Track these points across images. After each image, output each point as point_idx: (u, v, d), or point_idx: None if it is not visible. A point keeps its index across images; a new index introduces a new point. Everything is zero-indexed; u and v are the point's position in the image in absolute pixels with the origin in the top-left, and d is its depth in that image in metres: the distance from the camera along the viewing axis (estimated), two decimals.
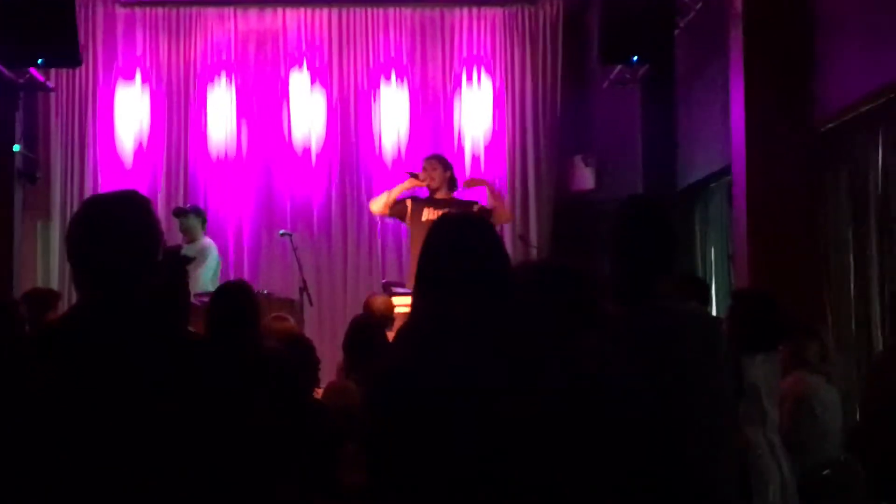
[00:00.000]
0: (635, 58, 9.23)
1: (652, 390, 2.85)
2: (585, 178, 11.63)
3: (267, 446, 3.66)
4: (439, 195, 9.03)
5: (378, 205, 9.33)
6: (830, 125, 7.21)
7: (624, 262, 3.28)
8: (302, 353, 4.67)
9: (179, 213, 10.20)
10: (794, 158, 7.46)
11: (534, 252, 11.00)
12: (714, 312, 7.73)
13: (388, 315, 7.21)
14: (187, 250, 9.33)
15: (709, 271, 9.60)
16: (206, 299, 5.59)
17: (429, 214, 8.79)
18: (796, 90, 7.49)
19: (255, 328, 4.79)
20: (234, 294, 4.92)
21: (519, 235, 11.03)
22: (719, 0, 8.22)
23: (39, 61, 9.24)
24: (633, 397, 2.76)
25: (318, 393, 5.15)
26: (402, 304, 8.33)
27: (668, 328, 3.14)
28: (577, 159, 11.69)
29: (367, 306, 7.38)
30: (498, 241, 2.71)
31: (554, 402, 2.50)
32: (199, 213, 10.28)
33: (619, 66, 9.95)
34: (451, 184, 9.12)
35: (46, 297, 6.73)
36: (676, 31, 9.17)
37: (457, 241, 2.65)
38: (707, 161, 9.29)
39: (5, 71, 9.72)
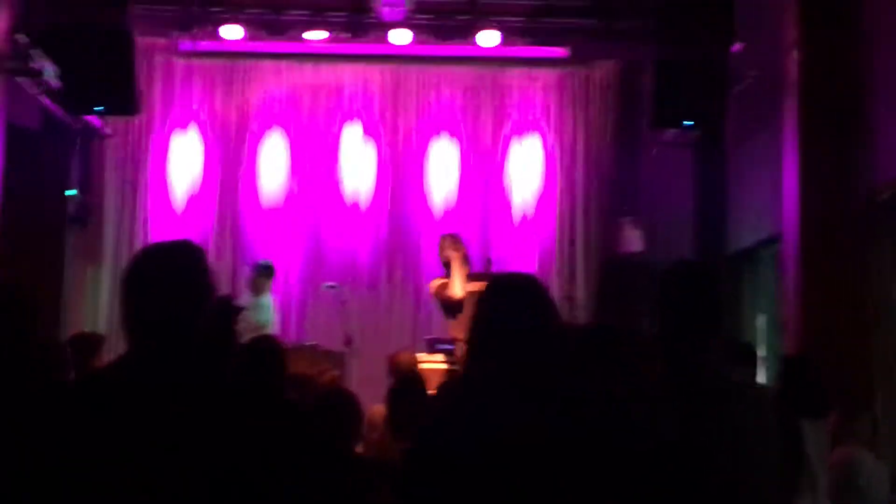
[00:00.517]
0: (687, 122, 9.21)
1: (698, 457, 2.81)
2: (634, 240, 11.57)
3: (306, 498, 3.64)
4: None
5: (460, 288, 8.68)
6: (884, 195, 7.14)
7: (671, 326, 3.25)
8: (344, 407, 4.66)
9: (266, 269, 10.24)
10: (846, 227, 7.40)
11: (580, 312, 10.94)
12: (762, 380, 7.64)
13: (413, 372, 7.18)
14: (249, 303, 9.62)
15: (756, 338, 9.49)
16: None
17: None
18: (850, 159, 7.45)
19: (280, 381, 4.80)
20: (261, 348, 4.94)
21: (566, 296, 10.98)
22: (774, 68, 8.20)
23: (98, 109, 9.37)
24: (677, 463, 2.73)
25: (360, 447, 5.13)
26: (432, 360, 8.35)
27: (715, 394, 3.10)
28: (626, 221, 11.64)
29: (394, 364, 7.39)
30: (550, 302, 2.70)
31: (598, 464, 2.48)
32: (272, 272, 10.34)
33: (671, 130, 9.95)
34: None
35: (92, 342, 6.77)
36: (729, 97, 9.15)
37: (509, 301, 2.65)
38: (757, 227, 9.23)
39: (64, 117, 9.90)
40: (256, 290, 10.13)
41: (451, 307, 8.59)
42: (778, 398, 4.97)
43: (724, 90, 8.93)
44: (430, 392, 5.31)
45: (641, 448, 2.66)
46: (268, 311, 10.03)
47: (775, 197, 8.13)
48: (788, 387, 5.13)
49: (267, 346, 4.99)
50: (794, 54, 7.79)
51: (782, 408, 4.95)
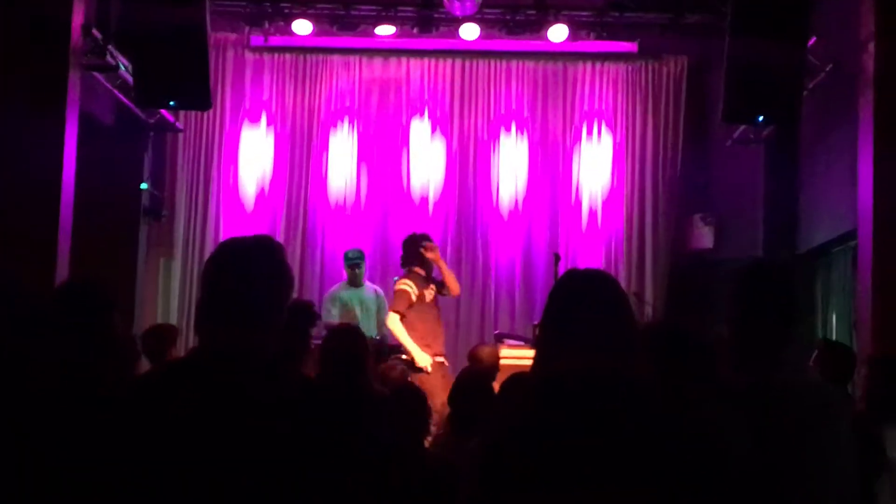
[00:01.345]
0: (760, 118, 9.06)
1: (768, 463, 2.78)
2: (704, 237, 11.47)
3: (375, 492, 3.65)
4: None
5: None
6: None
7: (745, 328, 3.20)
8: (413, 403, 4.67)
9: (359, 258, 10.16)
10: None
11: (649, 310, 10.87)
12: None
13: (495, 366, 7.17)
14: (367, 293, 9.86)
15: (830, 338, 9.34)
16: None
17: (430, 294, 8.64)
18: None
19: (364, 373, 4.83)
20: (344, 339, 4.98)
21: (634, 293, 10.90)
22: (850, 62, 8.07)
23: (171, 103, 9.49)
24: (747, 469, 2.70)
25: (427, 443, 5.13)
26: (509, 356, 8.29)
27: (788, 398, 3.05)
28: (696, 218, 11.54)
29: (475, 357, 7.35)
30: (624, 297, 2.67)
31: (668, 469, 2.45)
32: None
33: (742, 126, 9.82)
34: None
35: (168, 334, 6.87)
36: (803, 92, 9.00)
37: (584, 295, 2.62)
38: (831, 225, 9.09)
39: (137, 111, 10.04)
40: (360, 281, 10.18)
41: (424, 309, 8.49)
42: (862, 400, 4.88)
43: (798, 85, 8.76)
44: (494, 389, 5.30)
45: (712, 452, 2.63)
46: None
47: (851, 194, 7.99)
48: (874, 389, 4.97)
49: (353, 339, 5.03)
50: (871, 48, 7.64)
51: (866, 410, 4.86)
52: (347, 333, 5.21)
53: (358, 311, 9.93)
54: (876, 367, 5.21)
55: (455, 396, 5.29)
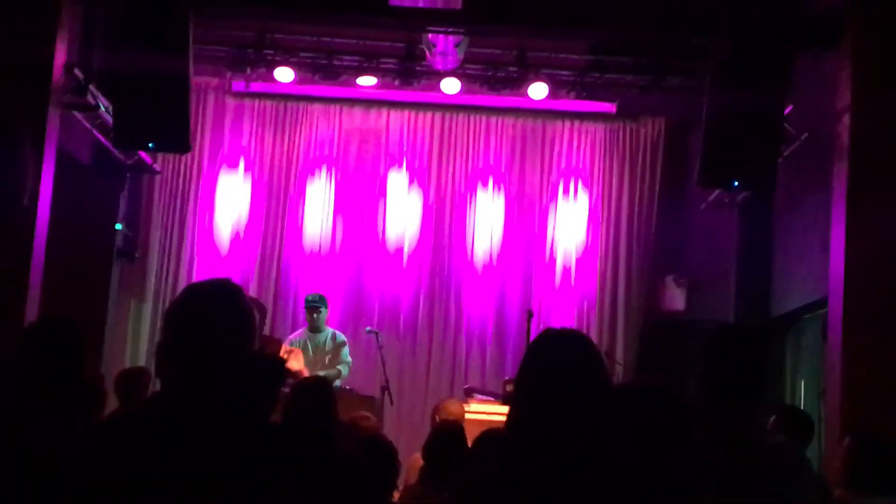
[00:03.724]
0: (736, 183, 9.12)
1: None
2: (676, 298, 11.52)
3: None
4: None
5: None
6: None
7: (715, 388, 3.25)
8: (383, 456, 4.64)
9: (317, 302, 10.21)
10: (894, 295, 7.30)
11: (619, 369, 10.88)
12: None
13: (460, 422, 7.14)
14: (327, 339, 9.90)
15: (797, 404, 9.37)
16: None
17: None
18: None
19: (332, 425, 4.82)
20: (314, 391, 4.97)
21: (605, 351, 10.91)
22: (825, 131, 8.17)
23: (150, 145, 9.46)
24: None
25: (395, 496, 5.10)
26: (478, 410, 8.28)
27: (758, 456, 3.09)
28: (669, 279, 11.60)
29: (445, 410, 7.32)
30: (599, 358, 2.68)
31: None
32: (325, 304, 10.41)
33: (718, 189, 9.90)
34: None
35: (139, 378, 6.83)
36: (779, 159, 9.09)
37: (560, 354, 2.63)
38: (802, 291, 9.15)
39: (115, 152, 10.01)
40: (321, 325, 10.21)
41: None
42: (843, 476, 4.91)
43: (774, 152, 8.84)
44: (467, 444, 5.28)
45: None
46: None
47: (823, 261, 8.05)
48: (857, 462, 4.96)
49: (319, 390, 5.02)
50: (846, 119, 7.75)
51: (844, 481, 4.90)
52: (314, 387, 5.21)
53: (311, 356, 9.88)
54: (858, 440, 5.16)
55: (430, 448, 5.27)
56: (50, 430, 2.97)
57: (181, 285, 11.49)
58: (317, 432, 4.54)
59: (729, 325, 4.66)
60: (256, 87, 11.73)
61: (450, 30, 9.25)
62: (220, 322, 2.53)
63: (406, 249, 11.95)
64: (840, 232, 7.63)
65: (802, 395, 9.46)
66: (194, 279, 11.38)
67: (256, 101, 12.10)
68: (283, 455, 2.45)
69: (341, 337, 10.16)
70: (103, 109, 9.17)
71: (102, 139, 9.71)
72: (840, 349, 7.46)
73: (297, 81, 11.01)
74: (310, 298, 10.25)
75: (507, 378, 9.87)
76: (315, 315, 10.04)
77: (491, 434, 4.02)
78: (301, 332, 10.29)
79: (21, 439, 2.95)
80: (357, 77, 10.92)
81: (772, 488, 3.06)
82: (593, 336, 11.13)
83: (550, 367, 2.61)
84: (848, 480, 4.86)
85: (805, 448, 5.71)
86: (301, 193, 12.04)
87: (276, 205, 12.03)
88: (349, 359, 10.00)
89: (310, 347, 9.96)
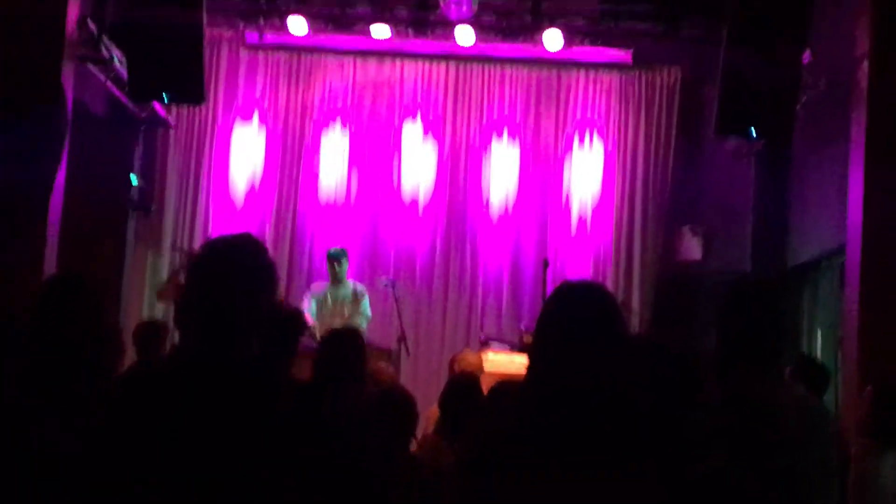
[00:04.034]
0: (753, 131, 9.05)
1: (751, 479, 2.80)
2: (692, 248, 11.48)
3: (359, 495, 3.64)
4: None
5: None
6: None
7: (731, 345, 3.23)
8: (402, 407, 4.67)
9: (339, 254, 10.29)
10: None
11: (635, 319, 10.87)
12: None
13: (478, 373, 7.17)
14: (348, 292, 10.01)
15: (814, 354, 9.36)
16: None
17: None
18: None
19: (360, 376, 4.85)
20: (342, 341, 5.00)
21: (621, 301, 10.87)
22: (844, 79, 8.09)
23: (165, 97, 9.45)
24: (730, 484, 2.71)
25: (413, 446, 5.13)
26: (495, 360, 8.31)
27: (772, 415, 3.07)
28: (685, 229, 11.55)
29: (464, 361, 7.34)
30: (618, 311, 2.67)
31: (653, 481, 2.46)
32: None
33: (734, 139, 9.83)
34: None
35: (157, 331, 6.86)
36: (797, 107, 9.01)
37: (579, 306, 2.62)
38: (820, 240, 9.11)
39: (129, 104, 10.00)
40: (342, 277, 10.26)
41: None
42: (865, 424, 4.90)
43: (792, 99, 8.77)
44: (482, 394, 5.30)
45: (693, 467, 2.65)
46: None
47: (840, 210, 8.01)
48: (878, 414, 4.93)
49: (351, 340, 5.06)
50: (865, 65, 7.67)
51: (864, 433, 4.89)
52: (345, 336, 5.24)
53: (331, 308, 9.93)
54: (884, 394, 5.08)
55: (446, 399, 5.30)
56: (50, 430, 2.98)
57: (197, 238, 11.52)
58: (336, 391, 4.57)
59: (744, 281, 4.60)
60: (270, 38, 11.65)
61: None
62: (237, 280, 2.54)
63: (421, 200, 11.92)
64: (858, 179, 7.59)
65: (819, 345, 9.45)
66: (210, 231, 11.41)
67: (270, 54, 12.02)
68: (292, 422, 2.46)
69: (362, 290, 10.18)
70: (117, 62, 9.15)
71: (116, 92, 9.70)
72: (858, 298, 7.44)
73: (310, 33, 10.94)
74: (332, 252, 10.29)
75: (522, 326, 9.89)
76: (337, 267, 10.08)
77: (506, 385, 4.03)
78: (322, 284, 10.32)
79: (21, 439, 2.97)
80: (370, 26, 10.85)
81: (783, 451, 3.03)
82: (609, 286, 11.11)
83: (568, 321, 2.60)
84: (871, 429, 4.85)
85: (821, 397, 5.71)
86: (316, 145, 12.00)
87: (290, 156, 12.00)
88: (369, 312, 10.02)
89: (329, 300, 10.00)
